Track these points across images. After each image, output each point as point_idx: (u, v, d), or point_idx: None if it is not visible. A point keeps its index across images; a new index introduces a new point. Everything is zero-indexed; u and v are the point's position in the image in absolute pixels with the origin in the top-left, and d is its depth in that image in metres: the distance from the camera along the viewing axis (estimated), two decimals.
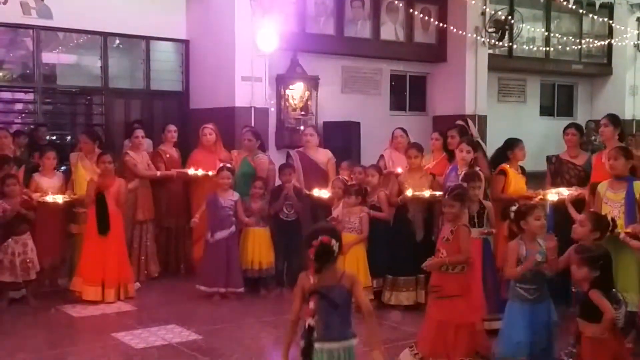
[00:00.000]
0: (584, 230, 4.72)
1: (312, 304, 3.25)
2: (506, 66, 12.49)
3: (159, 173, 7.71)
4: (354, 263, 6.34)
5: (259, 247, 7.15)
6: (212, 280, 6.83)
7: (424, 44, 11.38)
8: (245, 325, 6.10)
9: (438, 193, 6.28)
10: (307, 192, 7.27)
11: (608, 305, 4.00)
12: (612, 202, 5.40)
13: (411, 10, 10.83)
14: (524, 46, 12.45)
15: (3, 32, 9.03)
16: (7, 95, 9.51)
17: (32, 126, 8.80)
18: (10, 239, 6.36)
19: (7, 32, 9.05)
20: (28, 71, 9.18)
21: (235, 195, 7.01)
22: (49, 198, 6.64)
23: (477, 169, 6.13)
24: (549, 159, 6.87)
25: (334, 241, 3.37)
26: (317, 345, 3.27)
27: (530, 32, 12.63)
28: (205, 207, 7.01)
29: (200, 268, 7.19)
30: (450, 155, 6.98)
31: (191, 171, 7.64)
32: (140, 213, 7.57)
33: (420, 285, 6.44)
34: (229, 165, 7.26)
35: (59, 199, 6.68)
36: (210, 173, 7.54)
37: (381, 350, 3.45)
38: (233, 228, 6.93)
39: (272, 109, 9.69)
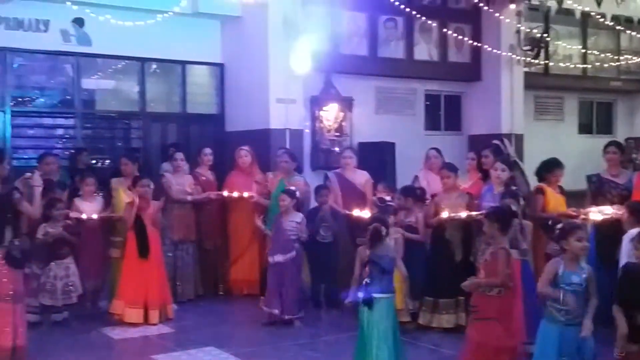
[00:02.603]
0: None
1: (367, 269, 4.75)
2: (543, 84, 12.35)
3: (189, 198, 7.74)
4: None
5: None
6: (269, 301, 6.78)
7: (458, 63, 11.34)
8: (282, 347, 6.08)
9: (475, 213, 6.23)
10: (347, 212, 7.26)
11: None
12: None
13: (445, 30, 10.81)
14: (561, 64, 12.31)
15: (44, 60, 9.25)
16: (48, 121, 9.72)
17: (72, 151, 8.96)
18: (52, 263, 6.47)
19: (48, 60, 9.27)
20: (68, 97, 9.38)
21: (299, 217, 6.95)
22: (84, 216, 6.76)
23: (514, 188, 6.07)
24: (589, 178, 6.77)
25: (383, 227, 4.89)
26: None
27: (566, 49, 12.49)
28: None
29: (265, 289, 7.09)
30: (485, 175, 6.92)
31: (226, 193, 7.69)
32: (176, 234, 7.63)
33: (461, 307, 6.35)
34: (293, 188, 7.18)
35: (94, 215, 6.79)
36: (245, 194, 7.58)
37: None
38: (293, 253, 6.82)
39: (307, 131, 9.72)
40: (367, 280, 4.76)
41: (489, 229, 4.91)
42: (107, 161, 9.62)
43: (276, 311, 6.70)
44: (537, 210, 6.30)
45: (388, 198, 6.98)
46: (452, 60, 11.28)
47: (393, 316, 4.85)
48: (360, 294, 4.75)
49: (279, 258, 6.78)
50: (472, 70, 11.43)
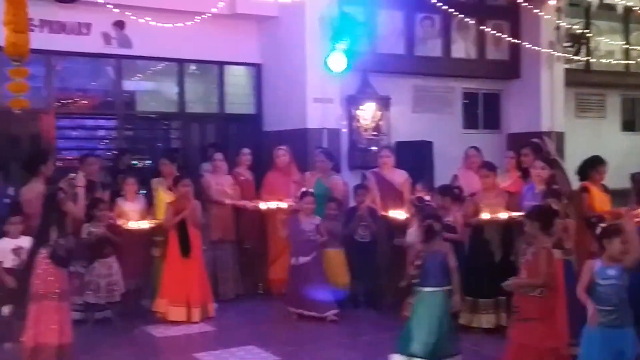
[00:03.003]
0: None
1: (418, 262, 5.20)
2: (584, 81, 12.15)
3: (227, 201, 7.78)
4: None
5: (334, 269, 7.16)
6: (297, 302, 6.84)
7: (497, 61, 11.23)
8: (322, 347, 6.10)
9: (515, 214, 6.17)
10: (383, 213, 7.25)
11: None
12: None
13: (482, 27, 10.71)
14: (602, 60, 12.09)
15: (86, 62, 9.43)
16: (90, 122, 9.91)
17: (115, 152, 9.11)
18: (95, 262, 6.59)
19: (90, 62, 9.44)
20: (110, 98, 9.54)
21: (317, 219, 7.02)
22: (133, 224, 6.88)
23: (556, 186, 5.99)
24: (633, 176, 6.64)
25: (436, 223, 5.26)
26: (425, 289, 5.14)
27: (608, 45, 12.26)
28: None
29: (287, 290, 7.20)
30: (525, 174, 6.84)
31: (263, 205, 7.72)
32: (214, 234, 7.69)
33: (502, 308, 6.29)
34: (311, 190, 7.25)
35: (143, 224, 6.91)
36: (282, 205, 7.61)
37: (459, 296, 5.26)
38: (315, 253, 6.91)
39: (344, 130, 9.73)
40: (419, 273, 5.17)
41: (530, 229, 4.87)
42: (148, 161, 9.76)
43: (304, 311, 6.76)
44: (582, 209, 6.19)
45: (426, 197, 6.97)
46: (490, 58, 11.17)
47: (445, 308, 5.12)
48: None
49: (304, 259, 6.82)
50: (511, 68, 11.30)
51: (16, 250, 5.86)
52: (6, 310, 5.72)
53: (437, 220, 5.31)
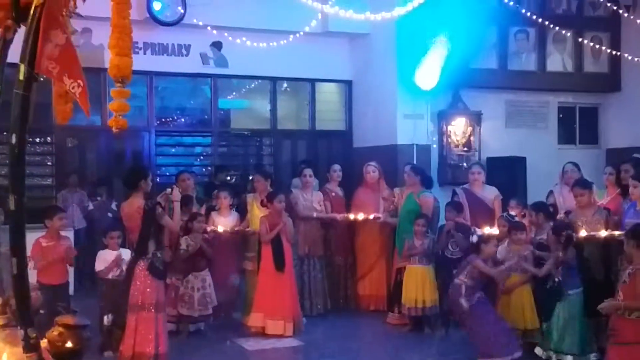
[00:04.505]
0: None
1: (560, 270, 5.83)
2: None
3: (315, 214, 7.87)
4: (519, 304, 6.16)
5: (423, 285, 7.09)
6: None
7: (595, 74, 10.85)
8: None
9: (617, 233, 5.94)
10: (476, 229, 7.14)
11: None
12: None
13: (580, 39, 10.39)
14: None
15: (185, 82, 9.84)
16: (188, 139, 10.30)
17: (209, 167, 9.43)
18: (190, 275, 6.82)
19: (188, 82, 9.85)
20: (206, 116, 9.91)
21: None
22: (221, 228, 7.07)
23: None
24: None
25: (572, 233, 5.88)
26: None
27: None
28: None
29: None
30: (625, 191, 6.57)
31: (352, 216, 7.77)
32: (302, 249, 7.77)
33: (602, 329, 6.04)
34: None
35: (230, 228, 7.09)
36: (371, 217, 7.64)
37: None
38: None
39: (435, 146, 9.66)
40: (559, 279, 5.83)
41: (627, 248, 4.69)
42: (241, 177, 10.03)
43: None
44: None
45: (513, 213, 6.88)
46: (588, 71, 10.82)
47: (581, 308, 5.77)
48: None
49: None
50: (610, 81, 10.90)
51: (117, 262, 6.16)
52: (106, 319, 6.02)
53: (570, 229, 5.97)
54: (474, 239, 6.11)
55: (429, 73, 9.04)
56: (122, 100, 5.20)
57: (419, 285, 7.07)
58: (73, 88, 4.19)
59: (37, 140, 9.09)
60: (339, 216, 7.90)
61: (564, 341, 5.79)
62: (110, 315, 6.00)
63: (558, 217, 6.70)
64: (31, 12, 3.30)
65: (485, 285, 6.71)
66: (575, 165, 7.60)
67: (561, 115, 11.01)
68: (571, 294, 5.85)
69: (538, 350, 5.96)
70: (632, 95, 10.69)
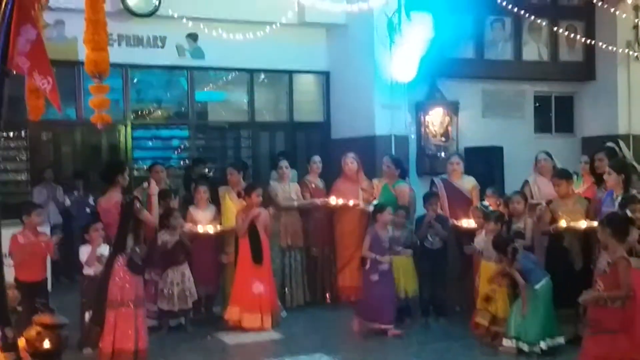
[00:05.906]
0: None
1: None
2: None
3: (296, 203, 7.86)
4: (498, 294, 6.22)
5: (404, 276, 7.12)
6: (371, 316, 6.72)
7: (571, 63, 10.94)
8: (390, 355, 6.09)
9: (595, 223, 5.99)
10: (454, 221, 7.18)
11: None
12: None
13: (555, 28, 10.46)
14: None
15: (160, 74, 9.75)
16: (165, 132, 10.21)
17: (188, 160, 9.36)
18: (169, 269, 6.77)
19: (164, 74, 9.76)
20: (183, 109, 9.83)
21: (390, 232, 6.96)
22: (200, 229, 7.01)
23: (635, 192, 5.79)
24: None
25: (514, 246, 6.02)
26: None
27: None
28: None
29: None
30: (599, 180, 6.64)
31: (333, 200, 7.78)
32: (284, 241, 7.76)
33: (580, 318, 6.10)
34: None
35: (210, 229, 7.02)
36: (350, 202, 7.64)
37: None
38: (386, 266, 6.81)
39: (413, 136, 9.68)
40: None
41: (602, 236, 4.73)
42: (219, 170, 9.96)
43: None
44: None
45: (486, 203, 6.93)
46: (563, 60, 10.91)
47: (549, 298, 5.96)
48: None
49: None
50: (585, 70, 11.00)
51: (98, 258, 6.07)
52: (87, 316, 5.94)
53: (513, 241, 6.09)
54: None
55: (405, 63, 9.04)
56: (102, 95, 5.15)
57: (400, 276, 7.09)
58: (43, 85, 4.13)
59: (11, 135, 8.94)
60: (318, 200, 7.89)
61: (526, 331, 5.85)
62: (89, 312, 5.93)
63: (538, 207, 6.73)
64: (2, 6, 3.24)
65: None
66: (548, 153, 7.63)
67: (537, 104, 11.10)
68: (537, 288, 5.92)
69: (506, 342, 5.96)
70: (607, 83, 10.81)
